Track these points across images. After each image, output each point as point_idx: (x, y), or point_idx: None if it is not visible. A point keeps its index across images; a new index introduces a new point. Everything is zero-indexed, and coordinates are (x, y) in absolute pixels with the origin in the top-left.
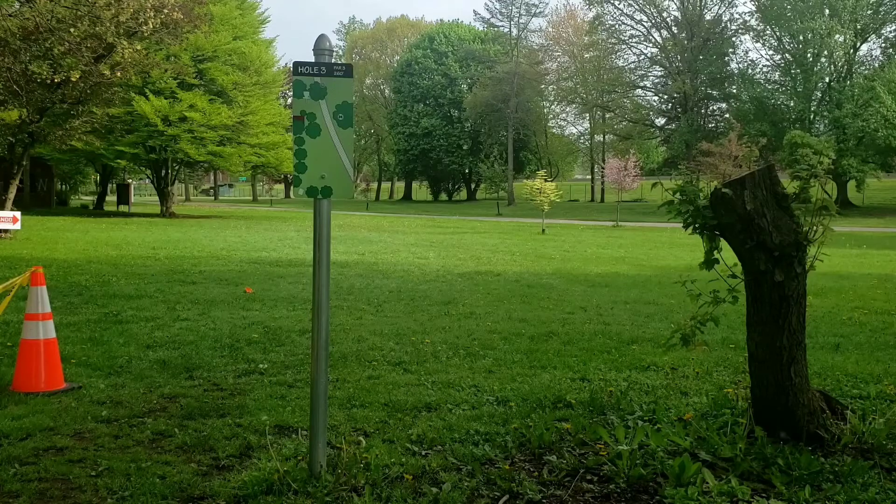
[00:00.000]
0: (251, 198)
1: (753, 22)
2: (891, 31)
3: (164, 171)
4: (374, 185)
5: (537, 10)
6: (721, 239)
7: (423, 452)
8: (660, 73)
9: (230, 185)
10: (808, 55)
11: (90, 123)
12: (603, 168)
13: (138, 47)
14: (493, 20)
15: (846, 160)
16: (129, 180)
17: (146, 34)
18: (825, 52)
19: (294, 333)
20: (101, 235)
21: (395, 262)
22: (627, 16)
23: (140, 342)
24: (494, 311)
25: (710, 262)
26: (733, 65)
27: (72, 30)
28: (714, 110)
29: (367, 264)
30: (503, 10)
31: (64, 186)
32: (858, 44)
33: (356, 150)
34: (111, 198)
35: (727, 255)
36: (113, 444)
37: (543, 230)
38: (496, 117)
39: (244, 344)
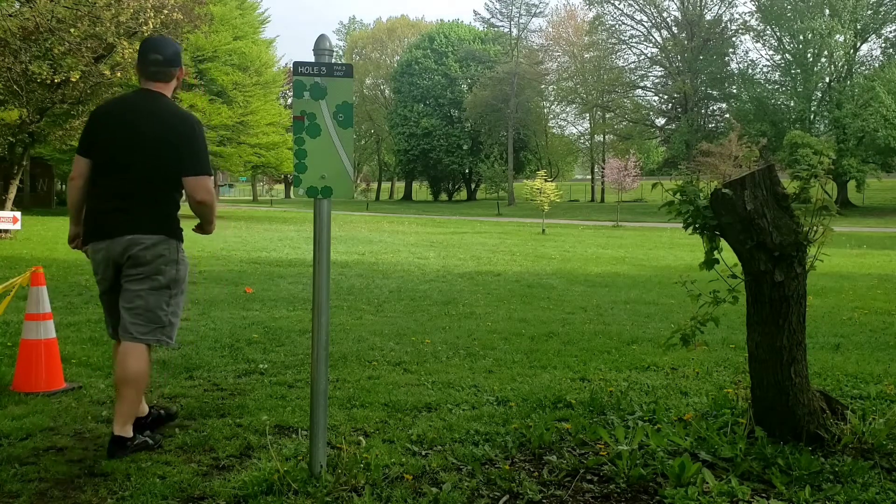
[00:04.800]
0: (251, 198)
1: (753, 22)
2: (891, 31)
3: None
4: (374, 185)
5: (537, 10)
6: (721, 239)
7: (423, 452)
8: (660, 73)
9: (230, 185)
10: (809, 55)
11: None
12: (603, 168)
13: (138, 47)
14: (493, 20)
15: (846, 160)
16: None
17: (146, 34)
18: (825, 52)
19: (294, 333)
20: None
21: (395, 262)
22: (627, 16)
23: None
24: (494, 311)
25: (710, 262)
26: (733, 65)
27: (72, 30)
28: (714, 110)
29: (367, 264)
30: (503, 10)
31: (64, 186)
32: (858, 44)
33: (356, 150)
34: None
35: (727, 255)
36: None
37: (543, 230)
38: (496, 117)
39: (244, 344)
